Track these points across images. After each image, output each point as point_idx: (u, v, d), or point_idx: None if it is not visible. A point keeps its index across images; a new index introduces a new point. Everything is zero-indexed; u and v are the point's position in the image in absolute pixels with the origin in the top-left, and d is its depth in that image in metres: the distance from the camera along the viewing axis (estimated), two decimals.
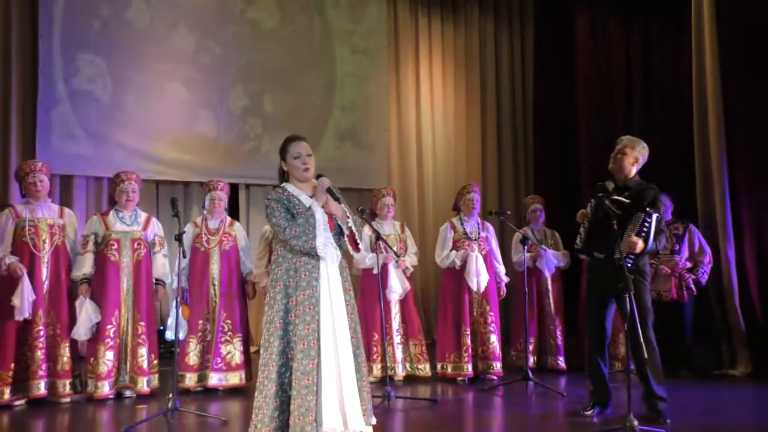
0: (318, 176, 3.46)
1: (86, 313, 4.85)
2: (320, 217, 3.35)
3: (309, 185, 3.50)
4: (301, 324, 3.27)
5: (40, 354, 4.76)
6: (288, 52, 8.18)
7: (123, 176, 5.21)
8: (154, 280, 5.20)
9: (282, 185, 3.51)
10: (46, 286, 4.88)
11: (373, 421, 3.50)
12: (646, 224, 4.01)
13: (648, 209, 4.03)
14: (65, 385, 4.86)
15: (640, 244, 4.04)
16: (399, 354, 5.63)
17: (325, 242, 3.34)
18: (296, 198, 3.43)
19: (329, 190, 3.39)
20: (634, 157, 4.27)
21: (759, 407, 4.89)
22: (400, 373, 5.61)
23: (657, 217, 4.06)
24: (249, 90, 7.96)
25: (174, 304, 4.92)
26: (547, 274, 6.22)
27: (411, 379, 5.64)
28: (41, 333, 4.79)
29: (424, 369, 5.65)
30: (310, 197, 3.43)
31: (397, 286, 5.54)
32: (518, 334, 6.15)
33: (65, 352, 4.89)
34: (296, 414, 3.17)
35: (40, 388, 4.76)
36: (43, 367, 4.77)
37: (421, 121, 9.07)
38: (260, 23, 8.06)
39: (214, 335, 5.23)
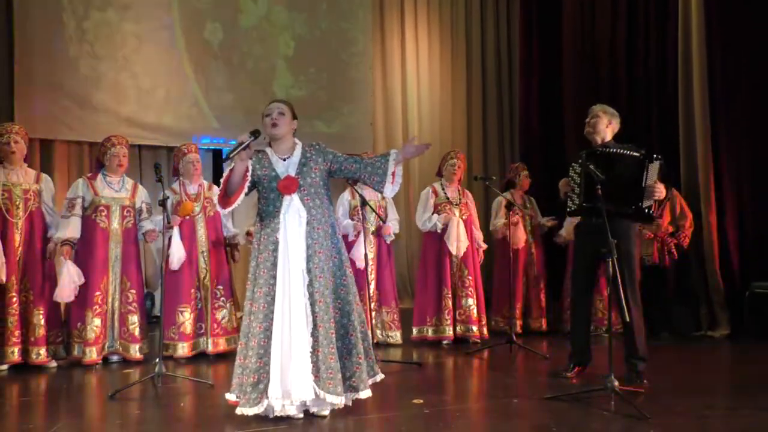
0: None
1: (68, 274, 4.76)
2: (239, 169, 3.27)
3: (285, 147, 3.48)
4: (256, 287, 3.32)
5: (13, 320, 4.70)
6: (269, 17, 8.04)
7: (114, 140, 5.12)
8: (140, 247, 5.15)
9: (264, 149, 3.51)
10: (19, 253, 4.77)
11: (350, 396, 3.41)
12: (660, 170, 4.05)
13: (654, 155, 4.03)
14: (39, 353, 4.79)
15: (664, 190, 4.10)
16: (372, 320, 5.63)
17: (287, 208, 3.31)
18: (267, 160, 3.43)
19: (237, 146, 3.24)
20: (608, 119, 4.29)
21: (736, 368, 5.00)
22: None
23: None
24: (232, 54, 7.83)
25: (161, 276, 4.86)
26: (531, 239, 6.27)
27: (382, 346, 5.64)
28: (14, 300, 4.72)
29: (395, 336, 5.68)
30: (283, 159, 3.42)
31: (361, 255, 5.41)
32: (501, 299, 6.19)
33: (39, 320, 4.81)
34: (243, 374, 3.27)
35: (15, 354, 4.71)
36: (16, 333, 4.72)
37: (406, 86, 8.99)
38: None
39: (208, 302, 5.18)
